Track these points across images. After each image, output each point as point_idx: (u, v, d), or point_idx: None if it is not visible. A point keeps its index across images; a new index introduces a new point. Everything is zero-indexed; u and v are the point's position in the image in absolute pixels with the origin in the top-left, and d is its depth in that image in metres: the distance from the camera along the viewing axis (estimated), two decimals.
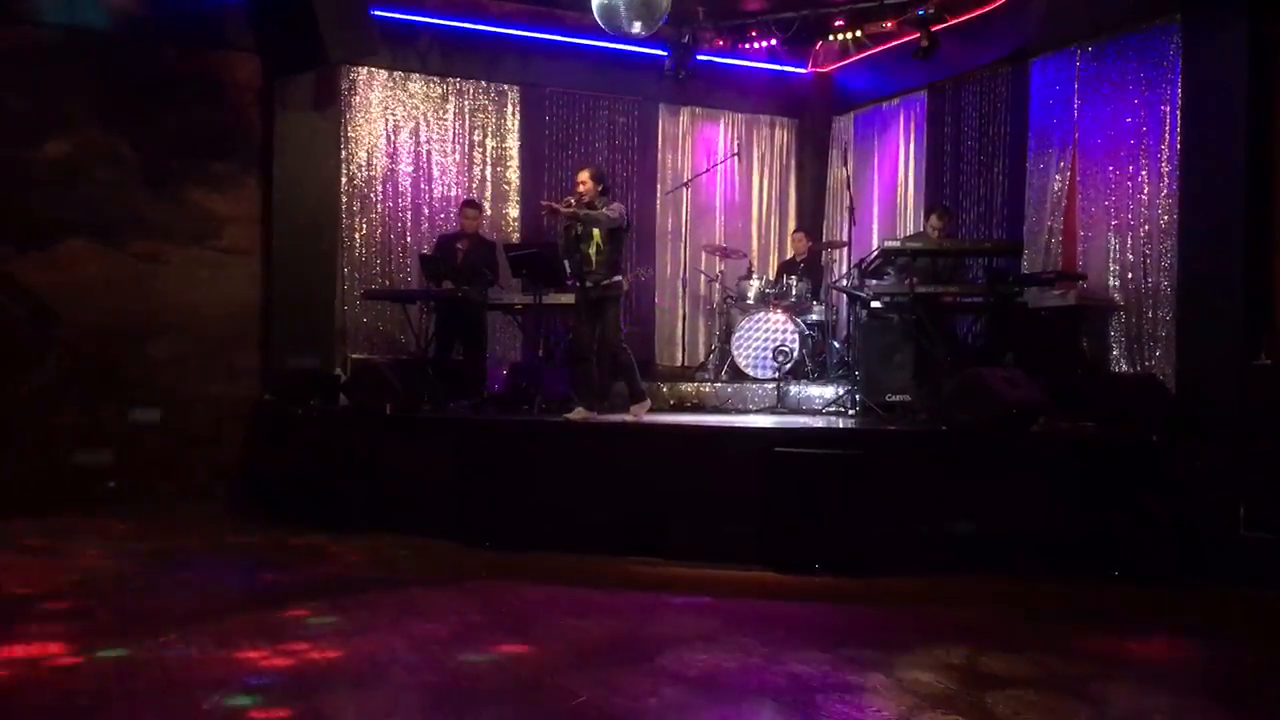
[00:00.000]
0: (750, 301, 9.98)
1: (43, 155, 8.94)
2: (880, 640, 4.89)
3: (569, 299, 8.42)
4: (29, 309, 8.81)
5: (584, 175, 7.71)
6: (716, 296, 10.94)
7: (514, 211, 10.76)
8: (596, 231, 7.49)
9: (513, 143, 10.79)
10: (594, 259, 7.52)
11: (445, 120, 10.52)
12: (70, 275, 8.96)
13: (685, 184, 11.25)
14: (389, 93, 10.25)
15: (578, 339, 7.83)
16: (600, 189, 7.64)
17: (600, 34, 8.85)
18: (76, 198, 9.02)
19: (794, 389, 9.22)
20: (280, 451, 8.48)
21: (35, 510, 7.99)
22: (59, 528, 7.53)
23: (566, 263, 7.85)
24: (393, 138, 10.27)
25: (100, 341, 9.02)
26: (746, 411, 9.03)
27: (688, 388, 9.52)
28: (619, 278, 7.68)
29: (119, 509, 8.36)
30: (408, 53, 10.20)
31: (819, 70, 11.80)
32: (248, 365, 9.53)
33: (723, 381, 9.71)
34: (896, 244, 8.33)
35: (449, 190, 10.41)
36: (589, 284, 7.56)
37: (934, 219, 9.00)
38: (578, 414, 7.44)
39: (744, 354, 9.60)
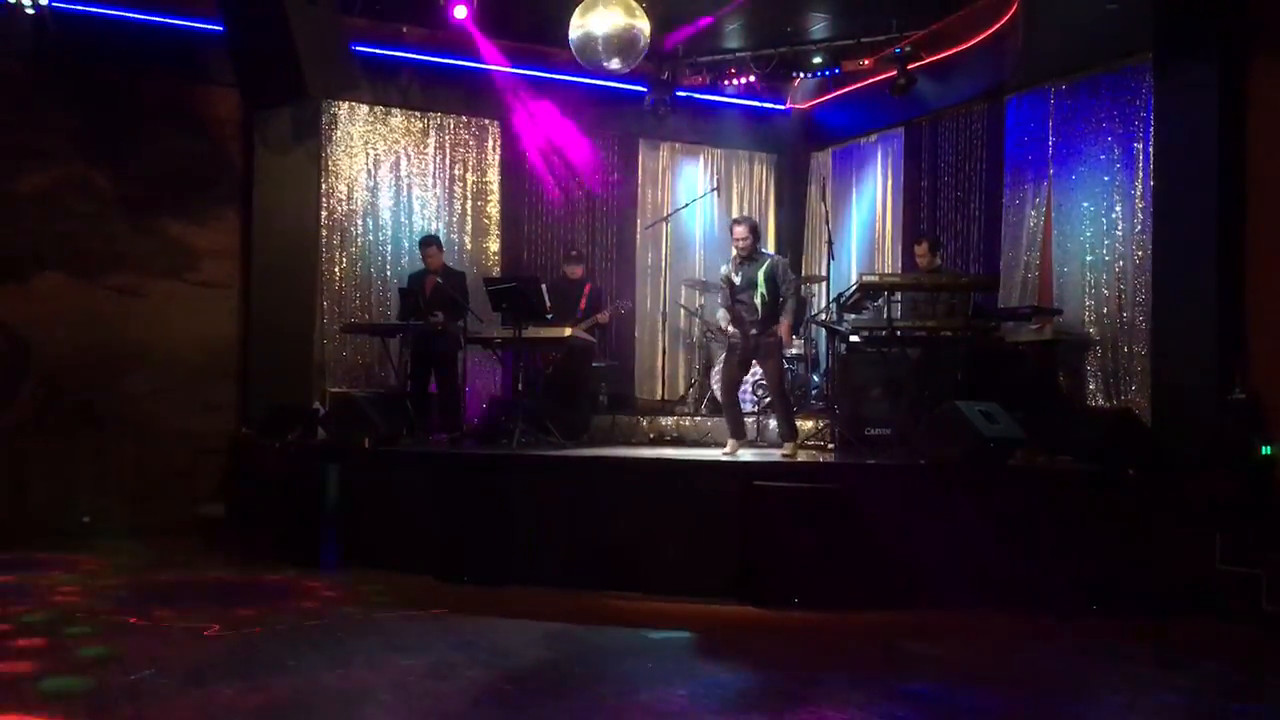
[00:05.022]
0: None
1: (20, 188, 8.93)
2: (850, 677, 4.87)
3: (549, 333, 8.43)
4: (3, 342, 8.76)
5: (742, 230, 7.67)
6: (696, 330, 10.97)
7: (494, 245, 10.78)
8: (762, 280, 7.53)
9: (493, 177, 10.83)
10: (759, 308, 7.59)
11: (426, 154, 10.55)
12: (46, 308, 8.93)
13: (665, 218, 11.31)
14: (370, 127, 10.28)
15: (730, 381, 7.99)
16: (756, 239, 7.70)
17: (580, 70, 8.92)
18: (54, 230, 9.01)
19: (773, 423, 9.19)
20: (257, 486, 8.42)
21: (6, 544, 7.90)
22: (31, 562, 7.44)
23: (725, 311, 7.97)
24: (373, 171, 10.29)
25: (76, 374, 8.97)
26: (726, 445, 8.99)
27: (667, 421, 9.52)
28: (778, 330, 7.69)
29: (93, 543, 8.28)
30: (389, 87, 10.24)
31: (797, 107, 11.91)
32: (225, 399, 9.51)
33: (702, 415, 9.72)
34: (874, 278, 8.35)
35: (429, 224, 10.40)
36: (753, 332, 7.64)
37: (920, 247, 8.96)
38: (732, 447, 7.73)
39: None
